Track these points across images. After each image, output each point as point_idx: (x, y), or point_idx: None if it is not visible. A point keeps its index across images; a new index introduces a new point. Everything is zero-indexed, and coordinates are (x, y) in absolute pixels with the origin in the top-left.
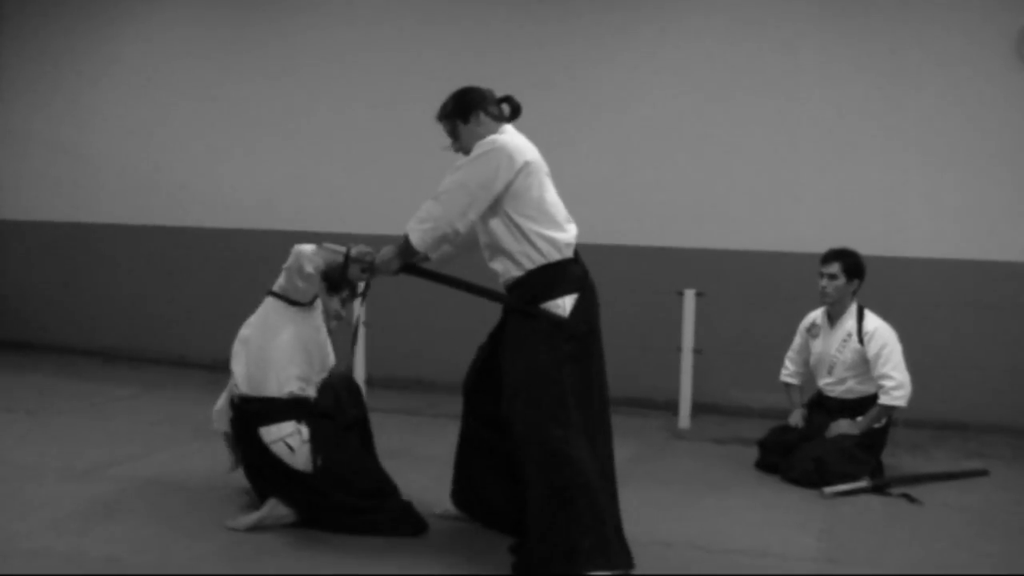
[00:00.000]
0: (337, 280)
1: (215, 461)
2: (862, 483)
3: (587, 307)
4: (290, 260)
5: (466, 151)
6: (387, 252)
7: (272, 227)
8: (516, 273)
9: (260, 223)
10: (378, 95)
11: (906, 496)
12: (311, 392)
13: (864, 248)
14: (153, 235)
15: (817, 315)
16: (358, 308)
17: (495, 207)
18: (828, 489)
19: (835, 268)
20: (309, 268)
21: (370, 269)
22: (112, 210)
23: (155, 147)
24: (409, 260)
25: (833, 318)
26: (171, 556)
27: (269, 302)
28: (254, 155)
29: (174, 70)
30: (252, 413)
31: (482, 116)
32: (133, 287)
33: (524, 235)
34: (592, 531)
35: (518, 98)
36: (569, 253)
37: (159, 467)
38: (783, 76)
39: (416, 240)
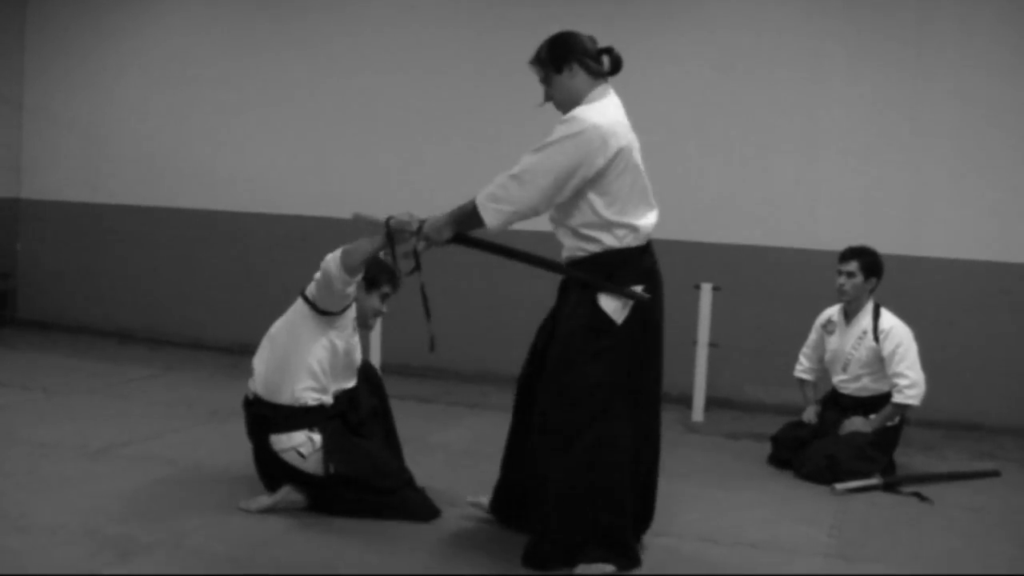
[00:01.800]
0: (376, 273)
1: (230, 443)
2: (874, 480)
3: (647, 301)
4: (330, 264)
5: (557, 103)
6: (438, 219)
7: (291, 211)
8: (581, 254)
9: (279, 207)
10: (402, 81)
11: (917, 495)
12: (327, 400)
13: (883, 247)
14: (172, 217)
15: (833, 312)
16: (419, 278)
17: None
18: (840, 485)
19: (853, 266)
20: (364, 252)
21: (418, 237)
22: (131, 192)
23: (174, 129)
24: (466, 231)
25: (849, 315)
26: (184, 536)
27: (299, 307)
28: (274, 139)
29: (196, 54)
30: (263, 417)
31: (576, 67)
32: (151, 269)
33: (601, 218)
34: (608, 526)
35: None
36: (642, 241)
37: (174, 448)
38: (806, 73)
39: (491, 220)
